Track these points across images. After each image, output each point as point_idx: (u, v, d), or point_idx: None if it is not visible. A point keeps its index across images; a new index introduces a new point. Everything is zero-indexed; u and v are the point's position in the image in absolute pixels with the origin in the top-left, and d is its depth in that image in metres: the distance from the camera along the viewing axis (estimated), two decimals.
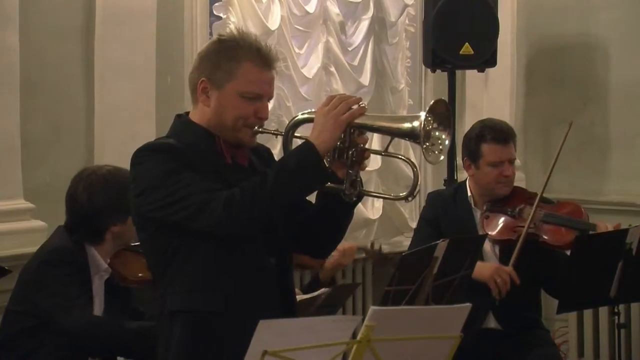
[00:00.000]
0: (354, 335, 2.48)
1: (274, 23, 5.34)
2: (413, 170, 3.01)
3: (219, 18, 5.23)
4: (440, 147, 2.93)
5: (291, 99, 5.51)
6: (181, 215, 2.88)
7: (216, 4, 5.22)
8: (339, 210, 3.04)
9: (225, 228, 2.87)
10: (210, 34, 5.20)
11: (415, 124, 2.87)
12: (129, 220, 3.61)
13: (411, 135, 2.90)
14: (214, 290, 2.96)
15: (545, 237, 4.34)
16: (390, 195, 3.53)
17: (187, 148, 2.96)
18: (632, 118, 6.20)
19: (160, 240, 2.99)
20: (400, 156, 3.30)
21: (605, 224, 4.31)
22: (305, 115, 3.05)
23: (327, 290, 3.99)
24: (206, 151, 3.00)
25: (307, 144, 2.88)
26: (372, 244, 4.92)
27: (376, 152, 3.19)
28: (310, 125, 2.97)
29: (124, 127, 4.68)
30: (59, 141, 4.62)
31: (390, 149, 3.06)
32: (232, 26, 5.18)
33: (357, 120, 2.94)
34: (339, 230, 3.17)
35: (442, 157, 2.95)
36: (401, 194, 3.06)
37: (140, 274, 3.75)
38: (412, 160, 3.09)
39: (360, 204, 5.73)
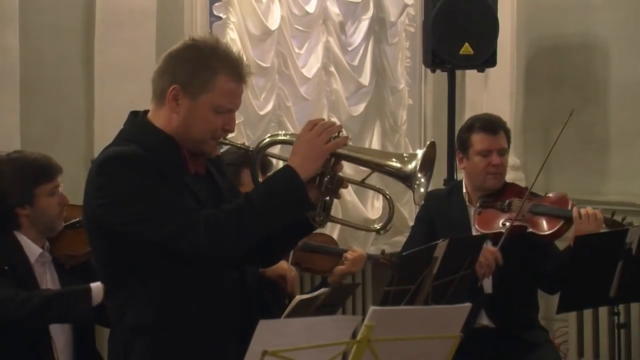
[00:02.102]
0: (354, 335, 2.48)
1: (274, 23, 5.34)
2: (389, 204, 2.96)
3: (219, 18, 5.23)
4: (422, 189, 2.89)
5: (291, 99, 5.52)
6: (159, 235, 2.78)
7: (216, 4, 5.22)
8: (302, 231, 2.99)
9: (208, 253, 2.79)
10: (210, 34, 5.20)
11: (410, 166, 2.84)
12: (40, 204, 3.68)
13: (403, 177, 2.85)
14: (179, 306, 2.88)
15: (532, 228, 4.35)
16: (362, 226, 3.32)
17: (150, 154, 2.85)
18: (632, 118, 6.20)
19: (122, 252, 2.87)
20: (377, 189, 3.15)
21: (584, 209, 4.29)
22: (282, 137, 3.00)
23: (327, 290, 3.99)
24: (171, 160, 2.90)
25: (291, 171, 2.82)
26: (383, 252, 4.91)
27: (354, 182, 3.05)
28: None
29: None
30: (59, 141, 4.62)
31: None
32: (231, 26, 5.19)
33: (342, 151, 2.88)
34: (293, 245, 3.18)
35: (422, 194, 2.90)
36: (374, 226, 3.03)
37: (84, 248, 3.74)
38: (388, 193, 3.03)
39: (360, 204, 5.81)
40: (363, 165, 2.94)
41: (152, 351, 2.88)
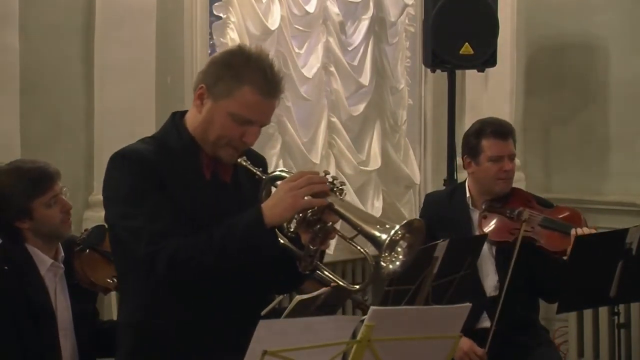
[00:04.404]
0: (354, 335, 2.48)
1: (274, 23, 5.34)
2: (372, 264, 2.78)
3: (219, 18, 5.23)
4: (391, 266, 2.75)
5: (291, 99, 5.51)
6: (128, 250, 2.84)
7: (216, 4, 5.22)
8: (293, 272, 2.92)
9: (167, 284, 2.82)
10: (210, 34, 5.20)
11: (383, 235, 2.70)
12: (39, 216, 3.58)
13: (374, 243, 2.73)
14: (164, 312, 2.90)
15: (542, 242, 4.33)
16: (345, 284, 2.97)
17: (167, 155, 2.90)
18: (632, 118, 6.20)
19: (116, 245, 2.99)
20: (362, 250, 2.89)
21: (580, 229, 4.26)
22: (285, 174, 2.90)
23: (327, 290, 3.98)
24: (187, 164, 2.92)
25: (257, 214, 2.77)
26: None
27: (342, 237, 2.91)
28: None
29: (124, 127, 4.67)
30: (59, 141, 4.61)
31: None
32: (231, 26, 5.19)
33: (333, 204, 2.78)
34: (295, 283, 3.15)
35: (390, 271, 2.76)
36: (355, 286, 2.95)
37: (108, 280, 3.74)
38: (370, 254, 2.87)
39: (360, 204, 5.80)
40: (347, 223, 2.79)
41: (136, 348, 2.95)
